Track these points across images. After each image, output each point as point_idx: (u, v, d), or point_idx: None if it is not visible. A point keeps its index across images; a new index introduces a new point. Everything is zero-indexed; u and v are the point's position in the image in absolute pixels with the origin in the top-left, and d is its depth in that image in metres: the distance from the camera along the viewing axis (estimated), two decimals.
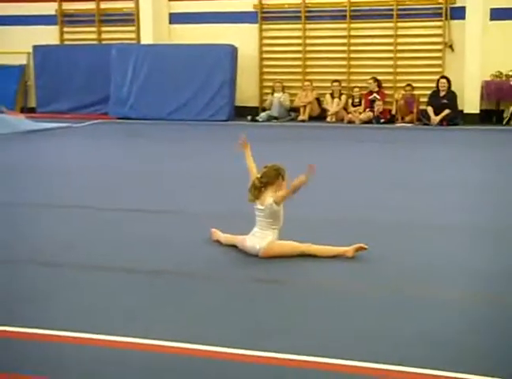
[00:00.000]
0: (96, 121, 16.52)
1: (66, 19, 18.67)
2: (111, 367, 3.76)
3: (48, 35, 18.34)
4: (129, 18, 18.15)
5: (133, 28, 18.12)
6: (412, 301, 4.76)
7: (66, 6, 18.56)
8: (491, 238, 6.44)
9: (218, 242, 6.09)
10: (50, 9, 18.45)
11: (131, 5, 18.05)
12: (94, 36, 18.48)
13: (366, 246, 5.62)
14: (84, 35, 18.53)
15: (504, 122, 15.45)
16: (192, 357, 3.88)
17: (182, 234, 6.53)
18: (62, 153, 11.90)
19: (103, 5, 18.34)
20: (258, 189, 5.78)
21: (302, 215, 6.49)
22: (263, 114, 16.66)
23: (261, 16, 17.20)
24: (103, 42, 18.32)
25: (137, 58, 16.86)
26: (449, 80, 15.47)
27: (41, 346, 4.02)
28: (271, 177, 5.79)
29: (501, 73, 15.52)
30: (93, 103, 17.52)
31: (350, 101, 16.46)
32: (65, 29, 18.71)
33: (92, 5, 18.33)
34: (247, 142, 6.14)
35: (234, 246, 5.93)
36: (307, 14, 16.94)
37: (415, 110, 15.74)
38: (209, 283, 5.20)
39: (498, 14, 15.61)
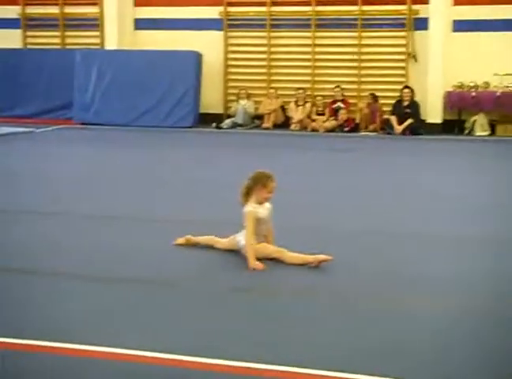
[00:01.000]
0: (59, 126, 16.37)
1: (29, 23, 18.50)
2: (79, 376, 3.73)
3: (11, 39, 18.14)
4: (94, 23, 18.04)
5: (97, 33, 18.01)
6: (380, 310, 4.79)
7: (29, 10, 18.39)
8: (454, 246, 6.51)
9: (189, 245, 6.14)
10: (12, 12, 18.28)
11: (96, 10, 17.94)
12: (58, 41, 18.33)
13: (329, 258, 5.65)
14: (48, 39, 18.38)
15: (466, 132, 15.66)
16: (159, 366, 3.86)
17: (150, 241, 6.49)
18: (23, 158, 11.76)
19: (67, 10, 18.21)
20: (245, 195, 5.92)
21: None
22: (227, 121, 16.67)
23: (227, 24, 17.22)
24: (67, 46, 18.18)
25: (101, 63, 16.76)
26: (412, 90, 15.65)
27: (12, 354, 3.96)
28: (252, 183, 5.89)
29: (463, 84, 15.72)
30: (57, 108, 17.35)
31: (314, 109, 16.54)
32: (28, 33, 18.54)
33: (55, 10, 18.19)
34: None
35: (205, 255, 5.96)
36: (272, 22, 17.00)
37: (378, 120, 15.87)
38: (179, 291, 5.18)
39: (460, 26, 15.83)
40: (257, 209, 5.84)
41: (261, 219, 5.87)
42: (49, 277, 5.42)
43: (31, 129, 15.24)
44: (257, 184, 5.86)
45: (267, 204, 5.96)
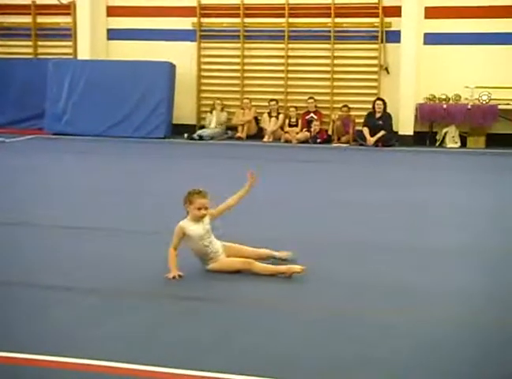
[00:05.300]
0: (30, 136, 16.25)
1: (1, 32, 18.36)
2: None
3: None
4: (66, 33, 17.95)
5: (70, 43, 17.93)
6: (347, 321, 4.79)
7: (1, 19, 18.26)
8: (431, 257, 6.53)
9: None
10: None
11: (68, 19, 17.86)
12: (30, 50, 18.23)
13: (301, 269, 5.65)
14: (20, 49, 18.27)
15: (437, 144, 15.79)
16: (131, 377, 3.84)
17: (119, 251, 6.46)
18: None
19: (39, 19, 18.11)
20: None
21: (238, 234, 6.47)
22: (200, 132, 16.61)
23: (200, 35, 17.23)
24: (40, 56, 18.06)
25: (73, 73, 16.66)
26: (384, 102, 15.73)
27: None
28: (183, 201, 5.92)
29: (434, 97, 15.85)
30: (29, 117, 17.24)
31: (287, 121, 16.58)
32: (0, 42, 18.40)
33: (28, 19, 18.08)
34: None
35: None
36: (246, 34, 17.04)
37: (351, 131, 15.93)
38: (146, 301, 5.16)
39: (431, 39, 15.99)
40: (188, 226, 5.79)
41: (195, 237, 5.78)
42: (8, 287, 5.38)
43: (1, 139, 15.11)
44: (185, 202, 5.85)
45: (206, 221, 5.87)
